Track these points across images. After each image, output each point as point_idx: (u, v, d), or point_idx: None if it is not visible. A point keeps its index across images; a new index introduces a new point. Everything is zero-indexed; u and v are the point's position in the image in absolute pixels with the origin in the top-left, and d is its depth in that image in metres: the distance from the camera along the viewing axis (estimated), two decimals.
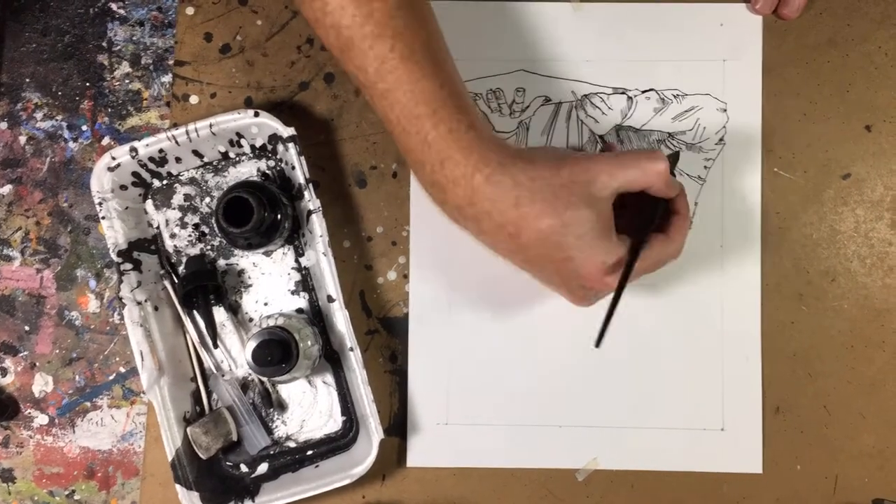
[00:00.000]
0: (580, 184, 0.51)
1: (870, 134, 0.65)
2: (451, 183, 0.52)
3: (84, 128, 0.67)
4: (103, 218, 0.62)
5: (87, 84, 0.67)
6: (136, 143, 0.62)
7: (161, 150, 0.62)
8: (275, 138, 0.63)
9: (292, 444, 0.64)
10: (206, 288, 0.63)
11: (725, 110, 0.65)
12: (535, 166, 0.51)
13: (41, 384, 0.66)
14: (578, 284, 0.54)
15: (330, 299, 0.61)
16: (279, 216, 0.61)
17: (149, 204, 0.65)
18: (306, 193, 0.61)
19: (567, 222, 0.51)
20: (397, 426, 0.64)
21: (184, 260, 0.65)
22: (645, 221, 0.56)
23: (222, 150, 0.64)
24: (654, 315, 0.65)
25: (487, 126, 0.54)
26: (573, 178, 0.51)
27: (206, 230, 0.65)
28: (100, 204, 0.62)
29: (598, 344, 0.53)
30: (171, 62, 0.67)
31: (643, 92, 0.66)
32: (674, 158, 0.62)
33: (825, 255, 0.65)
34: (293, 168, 0.62)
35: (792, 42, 0.66)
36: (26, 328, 0.66)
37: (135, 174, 0.63)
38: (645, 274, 0.56)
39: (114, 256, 0.62)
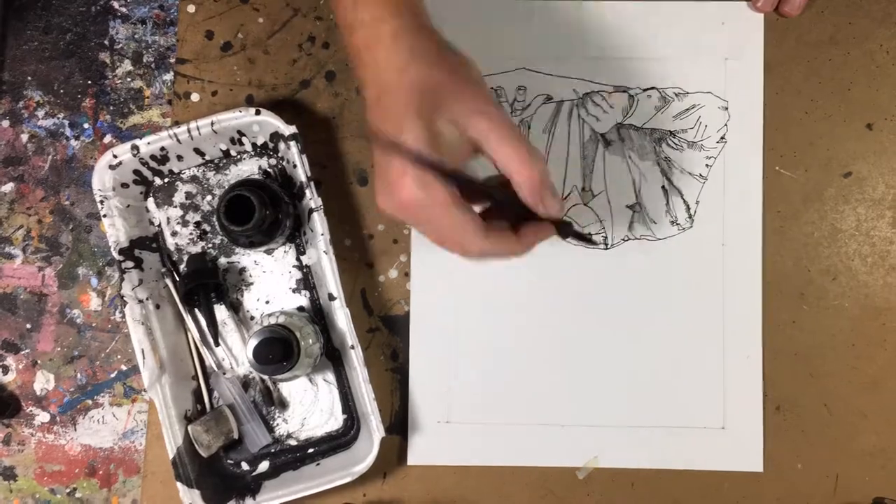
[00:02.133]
0: (458, 93, 0.49)
1: (871, 132, 0.65)
2: (359, 24, 0.50)
3: (86, 126, 0.67)
4: (105, 216, 0.62)
5: (89, 82, 0.67)
6: (137, 141, 0.62)
7: (162, 148, 0.62)
8: (276, 136, 0.63)
9: (293, 443, 0.64)
10: (208, 286, 0.63)
11: (727, 108, 0.65)
12: (441, 55, 0.50)
13: (42, 382, 0.66)
14: (386, 175, 0.49)
15: (331, 297, 0.61)
16: (280, 214, 0.61)
17: (150, 202, 0.65)
18: (307, 192, 0.61)
19: (420, 108, 0.48)
20: (398, 424, 0.64)
21: (185, 258, 0.65)
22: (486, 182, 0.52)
23: (224, 148, 0.64)
24: (655, 313, 0.65)
25: (424, 11, 0.52)
26: (459, 86, 0.49)
27: (208, 228, 0.65)
28: (101, 202, 0.62)
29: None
30: (172, 60, 0.67)
31: (644, 90, 0.66)
32: (566, 230, 0.55)
33: (826, 253, 0.65)
34: (294, 166, 0.62)
35: (793, 40, 0.66)
36: (28, 326, 0.66)
37: (136, 172, 0.63)
38: (462, 247, 0.50)
39: (115, 254, 0.62)
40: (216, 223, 0.63)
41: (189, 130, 0.62)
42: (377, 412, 0.60)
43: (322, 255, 0.61)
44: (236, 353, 0.64)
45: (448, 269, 0.65)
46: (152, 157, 0.63)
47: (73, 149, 0.67)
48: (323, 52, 0.67)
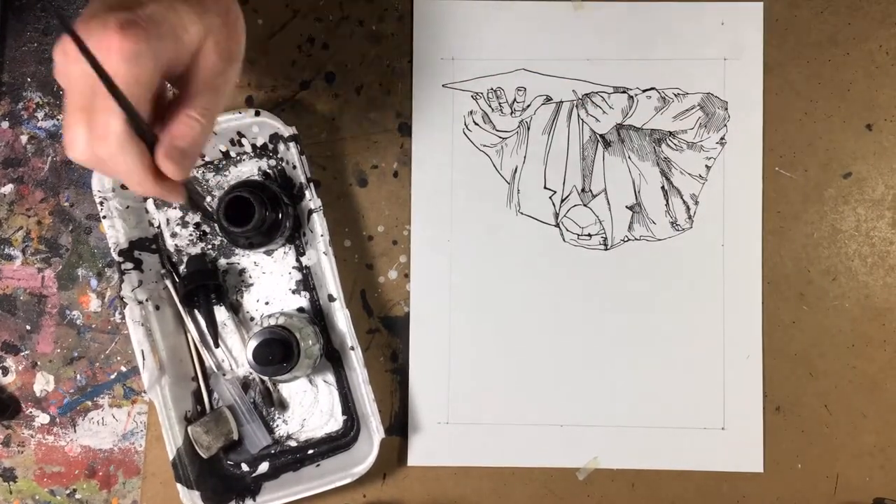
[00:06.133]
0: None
1: (871, 133, 0.65)
2: None
3: None
4: (104, 217, 0.62)
5: None
6: None
7: None
8: (276, 137, 0.63)
9: (293, 444, 0.64)
10: (207, 287, 0.63)
11: (726, 109, 0.65)
12: None
13: (42, 383, 0.66)
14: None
15: (331, 298, 0.61)
16: (280, 215, 0.61)
17: (149, 203, 0.65)
18: (307, 193, 0.61)
19: None
20: (398, 425, 0.64)
21: (185, 259, 0.65)
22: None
23: (223, 149, 0.64)
24: (655, 314, 0.65)
25: None
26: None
27: (207, 229, 0.65)
28: (101, 203, 0.62)
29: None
30: None
31: (644, 91, 0.66)
32: (196, 197, 0.50)
33: (826, 254, 0.65)
34: (294, 167, 0.62)
35: (793, 41, 0.66)
36: (28, 327, 0.66)
37: None
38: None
39: (115, 256, 0.62)
40: (216, 224, 0.63)
41: None
42: (377, 413, 0.60)
43: (322, 256, 0.61)
44: (236, 354, 0.64)
45: (448, 270, 0.65)
46: None
47: None
48: (322, 53, 0.67)
